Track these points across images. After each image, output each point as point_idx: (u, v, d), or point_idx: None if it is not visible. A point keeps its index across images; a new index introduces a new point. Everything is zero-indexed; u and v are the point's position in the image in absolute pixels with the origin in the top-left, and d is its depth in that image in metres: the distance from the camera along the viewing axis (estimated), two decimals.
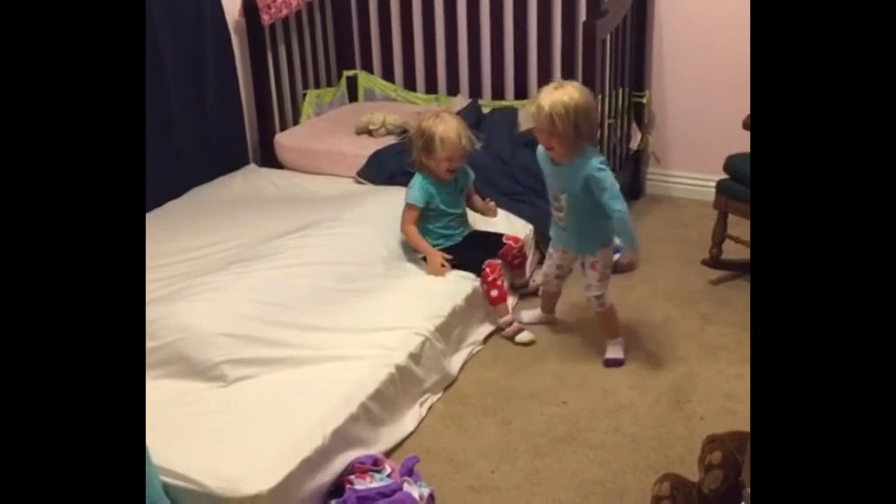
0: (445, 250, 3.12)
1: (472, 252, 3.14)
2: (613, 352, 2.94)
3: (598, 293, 2.91)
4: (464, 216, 3.26)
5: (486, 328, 3.09)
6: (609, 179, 2.72)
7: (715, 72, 4.00)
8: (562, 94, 2.65)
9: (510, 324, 3.08)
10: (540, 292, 3.22)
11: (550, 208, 2.93)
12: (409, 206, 3.11)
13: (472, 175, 3.27)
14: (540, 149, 2.85)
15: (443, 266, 3.05)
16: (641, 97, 4.14)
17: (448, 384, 2.80)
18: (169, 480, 2.08)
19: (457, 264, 3.09)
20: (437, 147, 3.03)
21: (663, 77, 4.18)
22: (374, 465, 2.33)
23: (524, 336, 3.05)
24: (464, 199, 3.26)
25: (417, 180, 3.12)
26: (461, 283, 3.04)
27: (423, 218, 3.13)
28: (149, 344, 2.44)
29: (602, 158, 2.77)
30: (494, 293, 3.07)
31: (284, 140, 4.19)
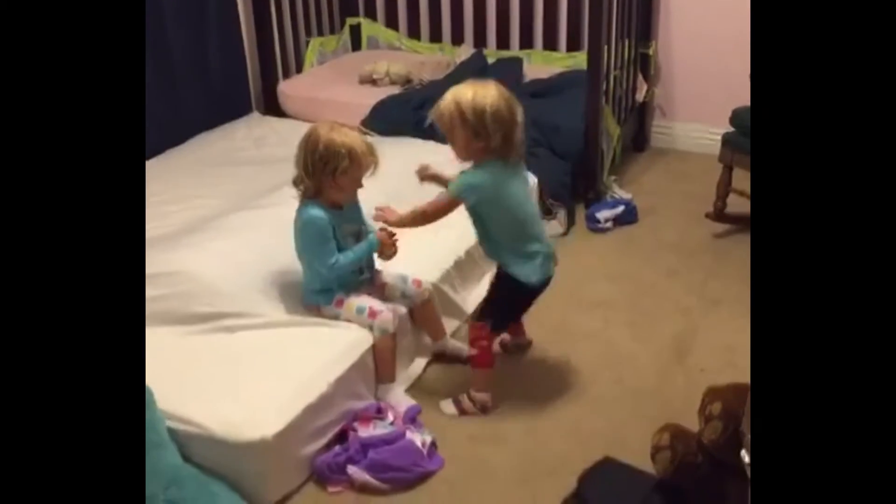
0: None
1: None
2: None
3: None
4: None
5: (487, 280, 3.08)
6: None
7: (722, 23, 3.95)
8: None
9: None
10: None
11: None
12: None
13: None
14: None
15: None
16: (648, 48, 4.10)
17: (452, 332, 2.81)
18: (174, 425, 2.10)
19: None
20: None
21: (670, 28, 4.13)
22: (378, 412, 2.36)
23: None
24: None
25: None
26: (465, 234, 3.02)
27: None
28: (155, 292, 2.44)
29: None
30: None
31: (287, 88, 4.17)
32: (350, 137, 2.36)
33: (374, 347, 2.43)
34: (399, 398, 2.47)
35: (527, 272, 2.36)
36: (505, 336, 2.68)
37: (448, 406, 2.50)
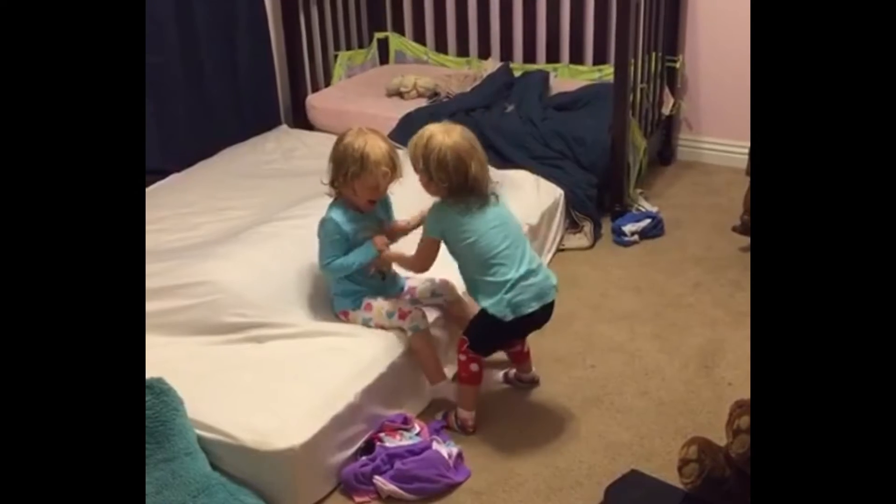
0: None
1: None
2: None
3: None
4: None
5: None
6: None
7: (749, 37, 3.94)
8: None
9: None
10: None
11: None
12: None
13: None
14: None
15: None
16: (674, 62, 4.10)
17: None
18: (203, 434, 2.13)
19: None
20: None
21: (697, 42, 4.13)
22: (404, 423, 2.37)
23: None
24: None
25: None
26: None
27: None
28: (184, 302, 2.49)
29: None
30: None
31: (316, 101, 4.20)
32: (370, 144, 2.38)
33: (412, 349, 2.46)
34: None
35: (495, 306, 2.29)
36: (511, 370, 2.66)
37: (438, 418, 2.50)
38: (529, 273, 2.32)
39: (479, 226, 2.29)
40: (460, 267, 2.39)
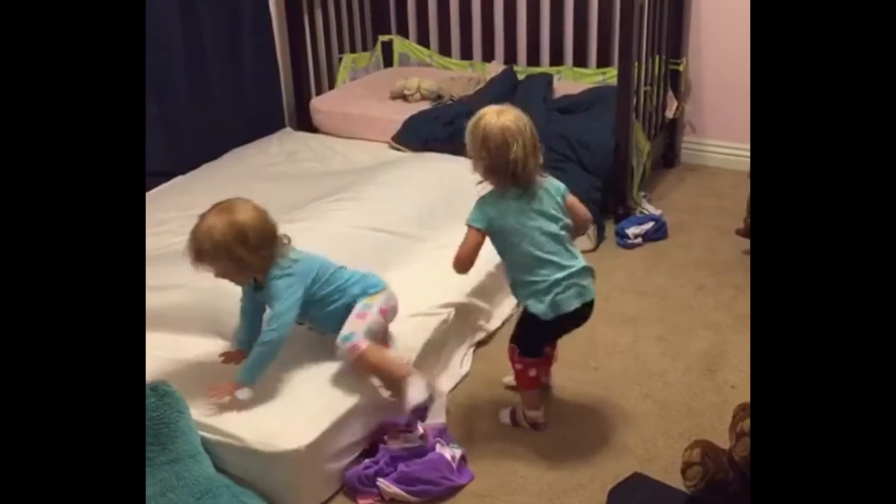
0: None
1: None
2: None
3: None
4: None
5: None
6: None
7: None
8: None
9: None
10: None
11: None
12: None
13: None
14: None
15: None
16: (678, 64, 4.10)
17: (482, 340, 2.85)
18: (207, 435, 2.13)
19: None
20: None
21: (701, 44, 4.13)
22: (407, 426, 2.37)
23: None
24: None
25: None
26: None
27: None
28: (188, 304, 2.49)
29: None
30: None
31: (320, 104, 4.22)
32: (213, 218, 2.28)
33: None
34: None
35: (537, 307, 2.27)
36: None
37: (504, 415, 2.51)
38: (572, 274, 2.28)
39: (523, 221, 2.24)
40: (505, 263, 2.34)
